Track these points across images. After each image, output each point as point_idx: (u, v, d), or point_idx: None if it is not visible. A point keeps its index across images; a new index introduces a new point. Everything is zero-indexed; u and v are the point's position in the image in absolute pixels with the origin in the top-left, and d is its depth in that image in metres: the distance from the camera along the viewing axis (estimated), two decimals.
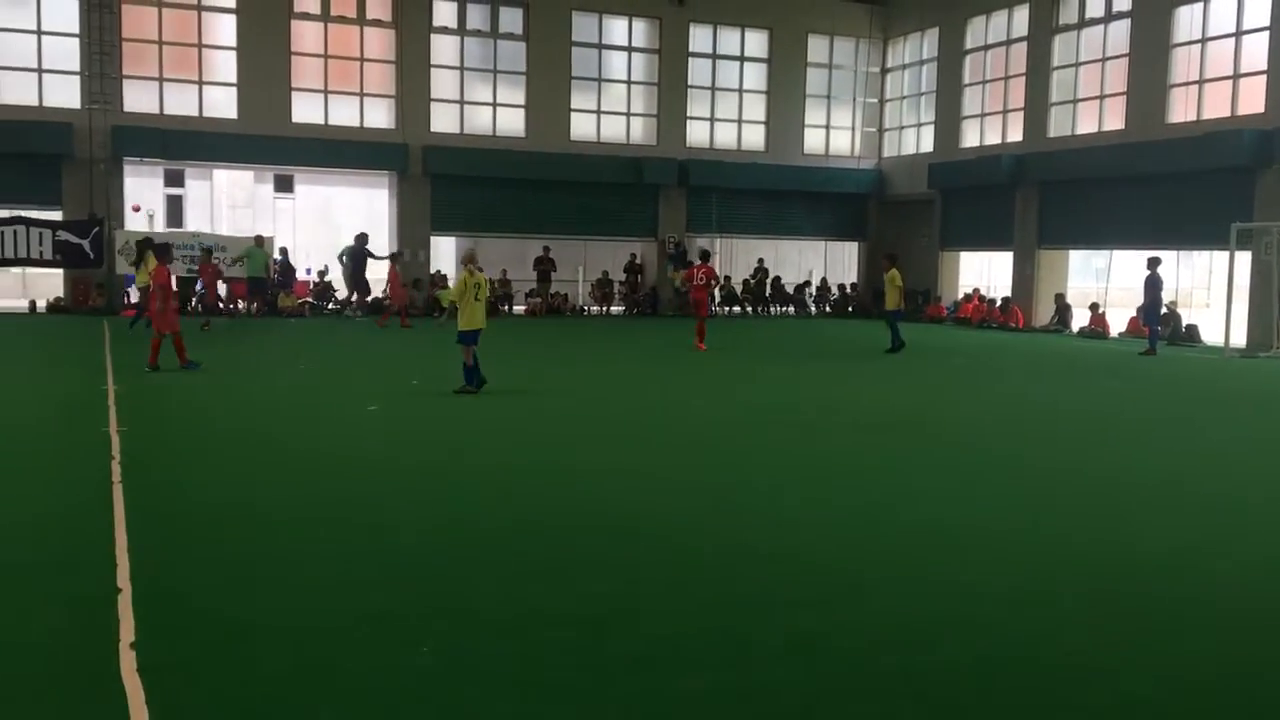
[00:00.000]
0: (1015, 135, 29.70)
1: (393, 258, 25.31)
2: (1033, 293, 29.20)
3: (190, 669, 4.50)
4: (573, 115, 31.13)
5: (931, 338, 25.45)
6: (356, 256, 26.59)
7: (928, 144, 32.84)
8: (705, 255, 21.43)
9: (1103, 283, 29.25)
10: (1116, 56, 26.87)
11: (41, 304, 27.03)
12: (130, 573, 5.67)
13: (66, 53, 26.51)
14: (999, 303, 29.98)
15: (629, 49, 31.97)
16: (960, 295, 31.93)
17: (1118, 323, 26.96)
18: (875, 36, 34.24)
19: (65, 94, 26.47)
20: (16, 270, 30.14)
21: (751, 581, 5.90)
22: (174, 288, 14.95)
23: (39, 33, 26.33)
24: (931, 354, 21.02)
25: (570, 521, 7.13)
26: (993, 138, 30.53)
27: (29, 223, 25.66)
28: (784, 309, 34.01)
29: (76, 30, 26.37)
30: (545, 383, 15.11)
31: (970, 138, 31.34)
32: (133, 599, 5.26)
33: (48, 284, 28.39)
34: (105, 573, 5.67)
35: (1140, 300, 23.05)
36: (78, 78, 26.48)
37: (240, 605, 5.33)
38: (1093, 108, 27.65)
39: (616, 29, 31.84)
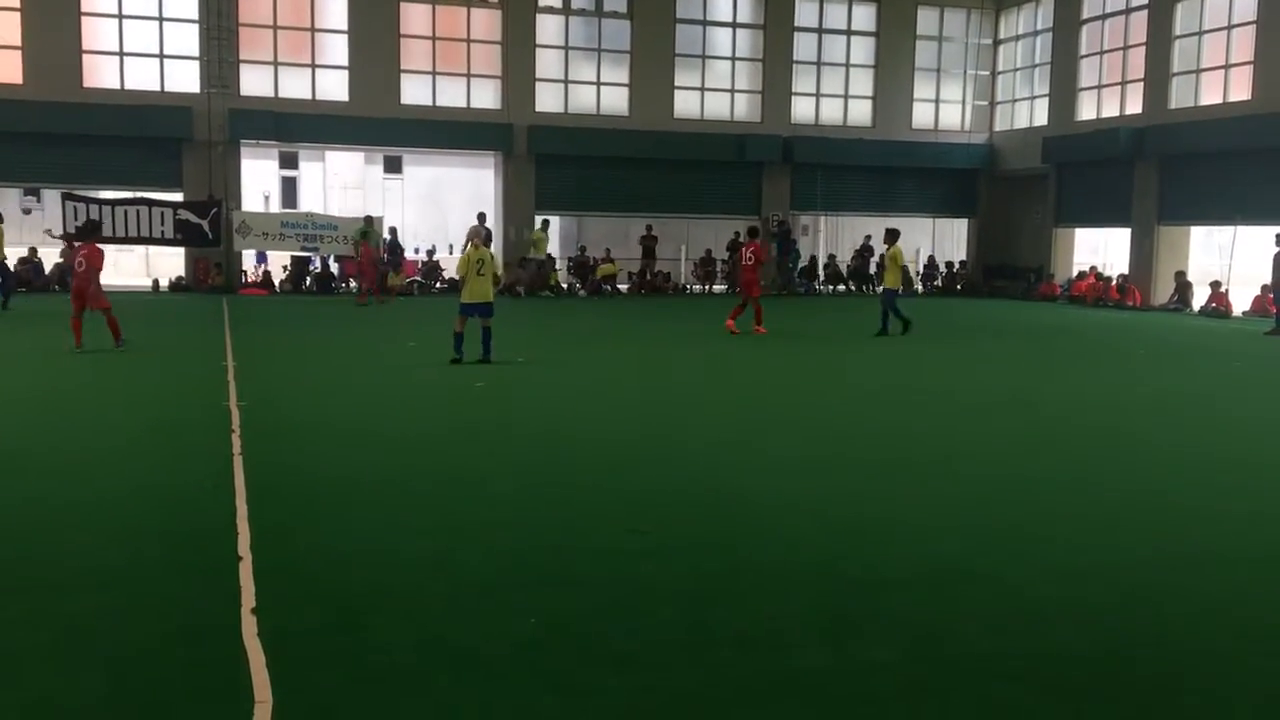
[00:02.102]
0: (1134, 107, 28.65)
1: (364, 235, 24.93)
2: (1151, 270, 28.21)
3: (309, 635, 4.62)
4: (676, 93, 31.00)
5: (1048, 316, 24.77)
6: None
7: (1042, 117, 31.90)
8: (754, 232, 20.16)
9: (1226, 260, 28.08)
10: (1243, 24, 25.69)
11: (164, 283, 28.04)
12: (251, 541, 5.84)
13: (186, 38, 27.34)
14: (1115, 281, 29.03)
15: (733, 25, 31.68)
16: (1074, 273, 31.00)
17: (1241, 301, 25.88)
18: (987, 7, 33.33)
19: (185, 79, 27.33)
20: (140, 250, 31.32)
21: (857, 561, 5.83)
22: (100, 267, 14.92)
23: (160, 19, 27.21)
24: (1052, 334, 20.47)
25: (676, 496, 7.13)
26: (1110, 110, 29.50)
27: (151, 203, 26.61)
28: None
29: (195, 16, 27.18)
30: (647, 359, 15.11)
31: (1087, 110, 30.34)
32: (253, 567, 5.42)
33: (169, 263, 29.42)
34: (227, 541, 5.86)
35: (1267, 278, 22.09)
36: (197, 63, 27.30)
37: (356, 575, 5.46)
38: (1217, 78, 26.52)
39: (721, 5, 31.58)
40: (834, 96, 32.56)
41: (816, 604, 5.18)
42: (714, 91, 31.53)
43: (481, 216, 27.28)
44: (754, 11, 31.79)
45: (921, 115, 33.22)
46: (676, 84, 31.02)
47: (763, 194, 31.89)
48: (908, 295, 21.96)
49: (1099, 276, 29.81)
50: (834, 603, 5.21)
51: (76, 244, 16.05)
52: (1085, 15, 30.29)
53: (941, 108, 33.49)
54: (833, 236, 35.60)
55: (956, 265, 34.07)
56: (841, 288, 32.76)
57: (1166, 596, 5.40)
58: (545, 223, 29.05)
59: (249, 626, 4.63)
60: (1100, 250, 33.56)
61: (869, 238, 33.41)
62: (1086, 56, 30.43)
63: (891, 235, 19.13)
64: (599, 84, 30.64)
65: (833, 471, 8.09)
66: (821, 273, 33.20)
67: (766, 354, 16.04)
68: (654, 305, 26.42)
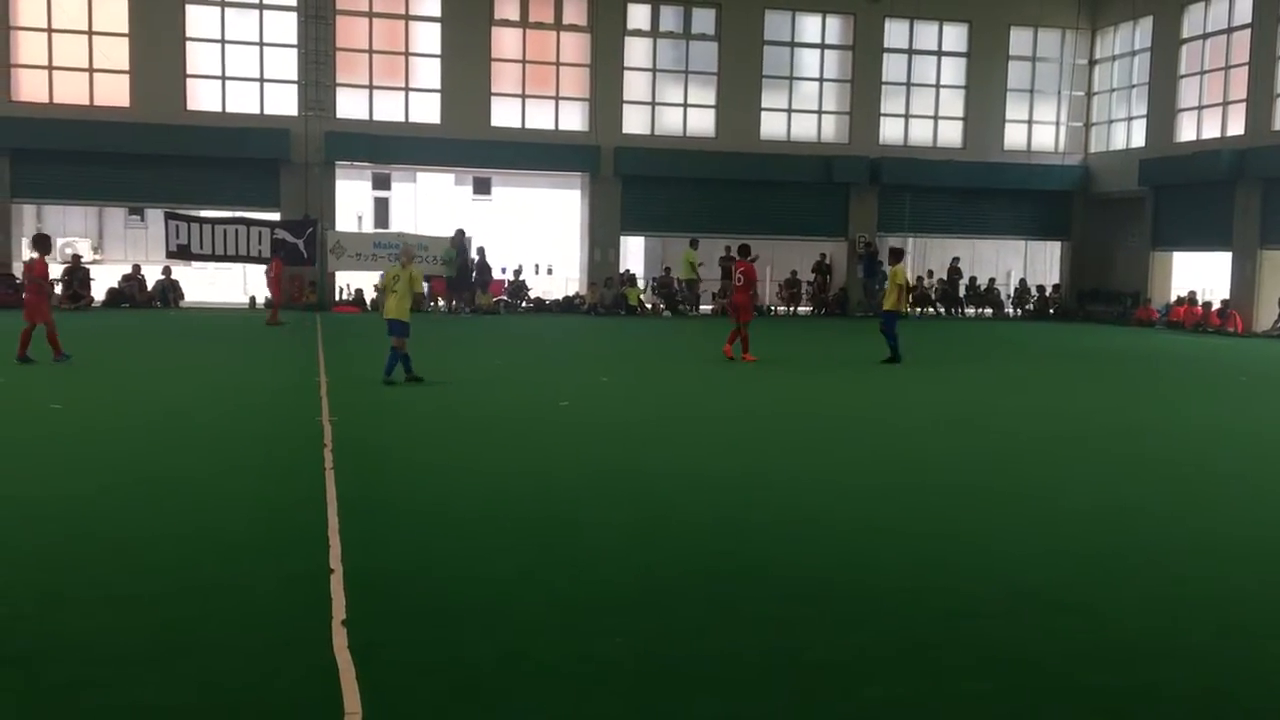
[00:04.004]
0: (1236, 129, 27.85)
1: (274, 245, 24.82)
2: (1254, 296, 27.32)
3: (397, 648, 4.69)
4: (763, 114, 31.00)
5: (1146, 342, 24.13)
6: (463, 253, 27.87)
7: (1139, 138, 31.18)
8: (744, 251, 18.22)
9: None
10: None
11: (260, 300, 28.80)
12: (341, 554, 5.95)
13: (285, 63, 28.15)
14: (1216, 306, 28.18)
15: (821, 46, 31.58)
16: (1173, 298, 30.16)
17: None
18: (1082, 27, 32.75)
19: (284, 102, 28.12)
20: (238, 268, 32.22)
21: (942, 589, 5.73)
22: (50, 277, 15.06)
23: (260, 44, 28.06)
24: (1151, 360, 19.93)
25: (757, 521, 7.09)
26: (1211, 131, 28.72)
27: (249, 223, 27.39)
28: (980, 310, 32.93)
29: (295, 41, 27.97)
30: (719, 381, 15.06)
31: (1186, 131, 29.58)
32: (344, 579, 5.52)
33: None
34: (319, 554, 5.98)
35: None
36: (295, 86, 28.08)
37: (444, 589, 5.53)
38: None
39: (809, 27, 31.51)
40: (923, 118, 32.24)
41: (901, 631, 5.10)
42: (801, 113, 31.45)
43: (460, 232, 28.28)
44: (843, 33, 31.66)
45: (1014, 136, 32.72)
46: (764, 105, 31.01)
47: (849, 215, 31.67)
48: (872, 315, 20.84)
49: (1195, 302, 28.96)
50: (919, 631, 5.12)
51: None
52: (1185, 35, 29.58)
53: (1035, 129, 32.95)
54: (920, 259, 35.15)
55: (1049, 289, 33.40)
56: (930, 310, 32.32)
57: (1269, 633, 5.21)
58: (694, 242, 29.16)
59: (339, 638, 4.71)
60: (1200, 276, 32.58)
61: (958, 260, 32.98)
62: (1186, 77, 29.69)
63: (895, 254, 18.22)
64: (685, 106, 30.76)
65: (914, 496, 7.96)
66: (909, 295, 32.75)
67: (839, 379, 15.88)
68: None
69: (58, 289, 26.50)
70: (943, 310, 32.32)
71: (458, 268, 27.95)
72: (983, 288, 33.19)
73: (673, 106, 30.78)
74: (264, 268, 27.52)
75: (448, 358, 17.61)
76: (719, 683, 4.44)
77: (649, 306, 30.39)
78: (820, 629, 5.09)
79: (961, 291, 32.78)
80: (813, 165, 30.79)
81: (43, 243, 15.56)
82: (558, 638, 4.89)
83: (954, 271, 32.76)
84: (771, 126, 31.15)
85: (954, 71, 32.41)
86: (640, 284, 31.15)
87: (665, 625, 5.09)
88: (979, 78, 32.22)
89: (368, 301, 28.67)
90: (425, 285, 25.59)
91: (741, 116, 30.66)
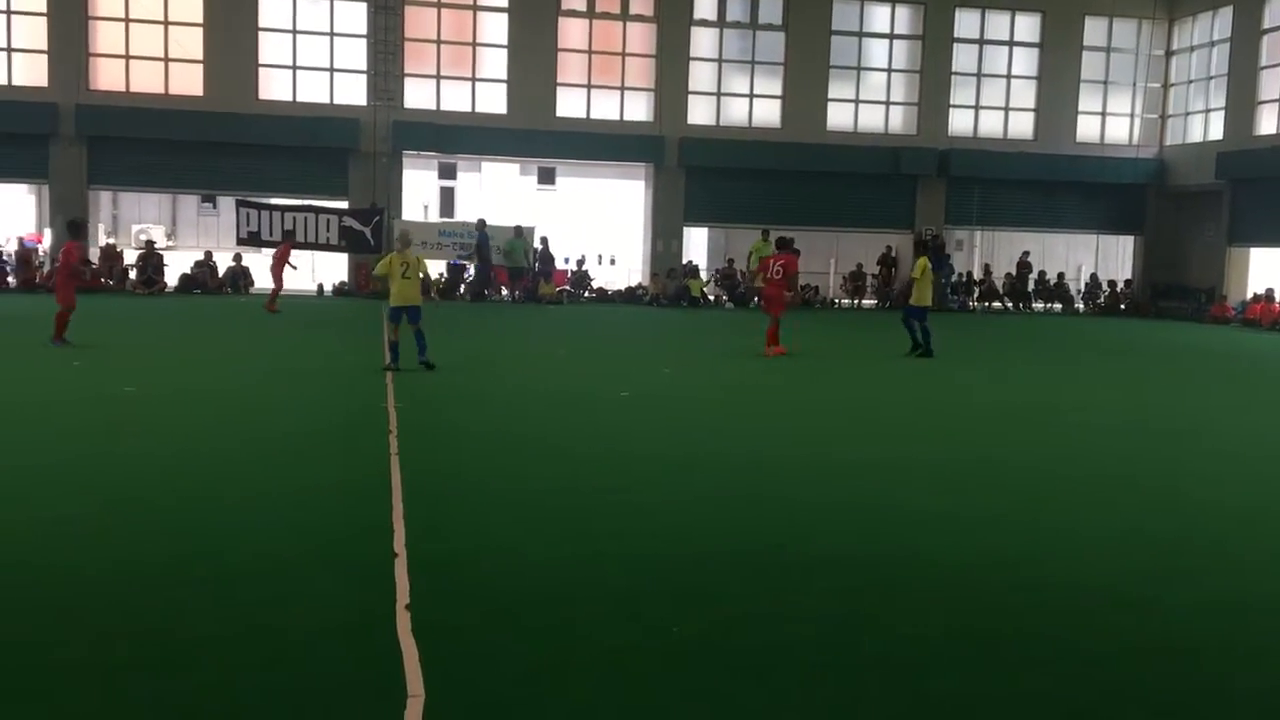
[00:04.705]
0: None
1: (286, 235, 24.48)
2: None
3: (460, 632, 4.74)
4: (829, 105, 30.72)
5: (1220, 340, 23.57)
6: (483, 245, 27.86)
7: (1217, 131, 30.38)
8: (783, 243, 17.55)
9: None
10: None
11: (328, 287, 29.18)
12: (406, 539, 6.02)
13: (355, 53, 28.47)
14: None
15: (890, 36, 31.20)
16: (1249, 295, 29.38)
17: None
18: (1159, 17, 31.97)
19: (353, 92, 28.45)
20: (306, 255, 32.68)
21: (1003, 583, 5.65)
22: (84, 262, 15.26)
23: (331, 34, 28.40)
24: (1226, 359, 19.46)
25: (820, 511, 7.04)
26: None
27: (318, 211, 27.76)
28: (1049, 306, 32.36)
29: (364, 32, 28.27)
30: (781, 371, 14.97)
31: (1267, 124, 28.74)
32: (408, 564, 5.58)
33: (334, 269, 30.59)
34: (383, 538, 6.05)
35: None
36: (364, 76, 28.39)
37: (506, 574, 5.59)
38: None
39: (878, 16, 31.15)
40: (994, 109, 31.72)
41: (960, 625, 5.04)
42: (869, 104, 31.11)
43: (481, 222, 28.36)
44: (912, 23, 31.25)
45: (1087, 128, 32.06)
46: (830, 96, 30.72)
47: (916, 207, 31.29)
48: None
49: (1273, 299, 28.17)
50: (979, 624, 5.06)
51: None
52: (1266, 25, 28.75)
53: (1108, 121, 32.26)
54: (989, 252, 34.62)
55: (1121, 284, 32.72)
56: (997, 304, 31.84)
57: None
58: (765, 232, 28.93)
59: (403, 622, 4.76)
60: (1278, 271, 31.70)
61: (1027, 254, 32.44)
62: (1268, 68, 28.85)
63: (921, 248, 17.73)
64: (751, 96, 30.58)
65: (978, 491, 7.85)
66: (976, 289, 32.32)
67: (907, 371, 15.70)
68: (798, 319, 26.13)
69: (132, 274, 27.15)
70: (1010, 305, 31.81)
71: (479, 257, 28.14)
72: (1052, 283, 32.59)
73: (738, 97, 30.61)
74: (333, 255, 28.00)
75: (510, 346, 17.73)
76: (779, 671, 4.42)
77: (711, 298, 30.30)
78: (877, 617, 5.04)
79: (1030, 286, 32.22)
80: (879, 156, 30.47)
81: (77, 228, 15.86)
82: (619, 624, 4.91)
83: (1023, 266, 32.21)
84: (838, 117, 30.85)
85: (1026, 62, 31.85)
86: (703, 275, 31.06)
87: (727, 612, 5.08)
88: (1052, 68, 31.61)
89: (433, 290, 28.92)
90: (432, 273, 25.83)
91: (808, 107, 30.40)
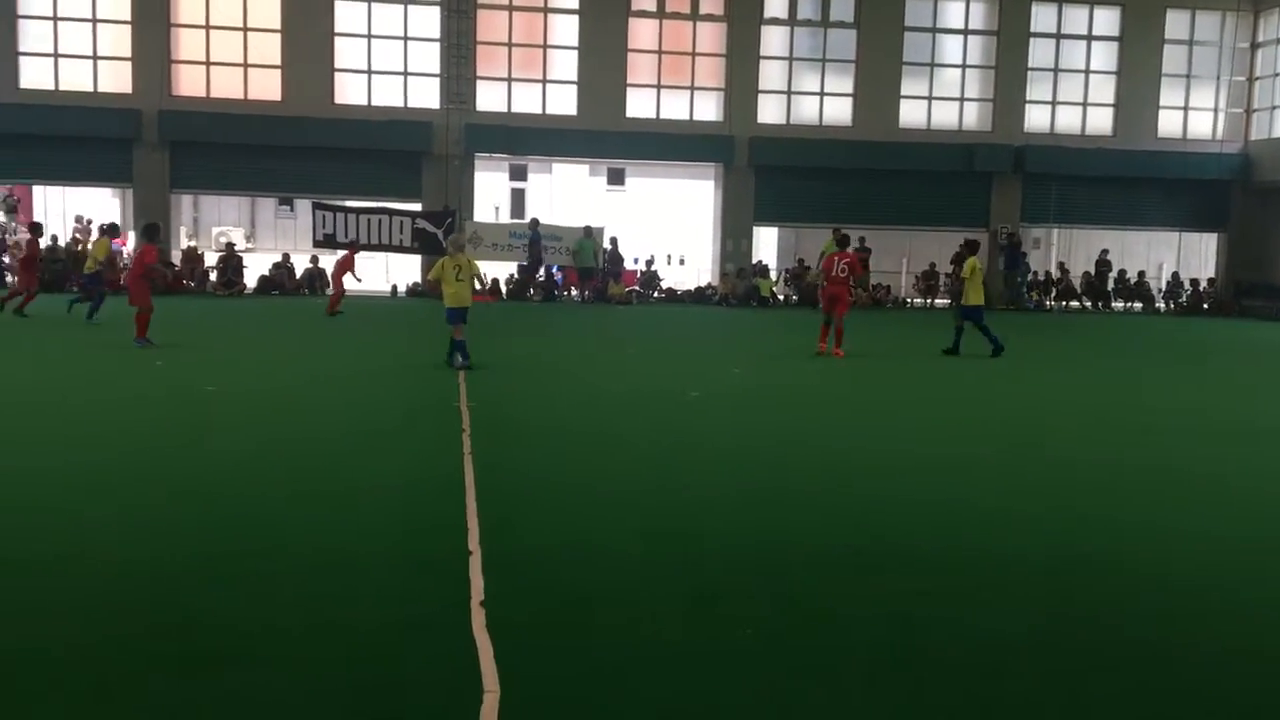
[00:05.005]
0: None
1: (351, 245, 24.34)
2: None
3: (535, 628, 4.77)
4: (902, 102, 30.38)
5: None
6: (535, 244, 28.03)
7: None
8: (845, 241, 17.41)
9: None
10: None
11: (401, 288, 29.57)
12: (480, 537, 6.07)
13: (428, 57, 28.81)
14: None
15: (965, 32, 30.78)
16: None
17: None
18: (1244, 9, 31.10)
19: (426, 95, 28.80)
20: (380, 257, 33.16)
21: (1087, 587, 5.53)
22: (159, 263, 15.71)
23: (405, 39, 28.78)
24: None
25: (896, 509, 6.96)
26: None
27: (392, 213, 28.14)
28: (1129, 305, 31.65)
29: (437, 35, 28.60)
30: (851, 371, 14.83)
31: None
32: (482, 561, 5.63)
33: (407, 270, 31.01)
34: (457, 536, 6.10)
35: None
36: (437, 80, 28.72)
37: (579, 571, 5.61)
38: None
39: (952, 12, 30.74)
40: (1071, 104, 31.12)
41: (1042, 631, 4.94)
42: (942, 100, 30.71)
43: (535, 222, 28.73)
44: (987, 18, 30.79)
45: (1168, 123, 31.31)
46: (903, 93, 30.38)
47: (991, 205, 30.82)
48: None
49: None
50: (1062, 629, 4.95)
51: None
52: None
53: (1190, 115, 31.47)
54: (1065, 250, 33.98)
55: (1203, 283, 31.88)
56: (1075, 304, 31.23)
57: None
58: (836, 231, 28.54)
59: (478, 618, 4.80)
60: None
61: (1106, 252, 31.77)
62: None
63: (970, 246, 17.61)
64: (822, 94, 30.36)
65: (1050, 490, 7.70)
66: (1053, 288, 31.74)
67: (979, 372, 15.45)
68: (868, 319, 25.90)
69: (212, 276, 27.77)
70: (1088, 304, 31.17)
71: (530, 256, 28.34)
72: (1132, 281, 31.87)
73: (809, 95, 30.41)
74: (406, 257, 28.36)
75: (580, 347, 17.81)
76: (848, 673, 4.38)
77: (781, 298, 30.14)
78: (950, 621, 4.97)
79: (1109, 285, 31.54)
80: (953, 154, 30.06)
81: (151, 231, 16.28)
82: (691, 622, 4.90)
83: (1102, 264, 31.54)
84: (911, 114, 30.50)
85: (1105, 56, 31.19)
86: (773, 275, 30.92)
87: (798, 612, 5.04)
88: (1132, 62, 30.92)
89: (503, 290, 29.17)
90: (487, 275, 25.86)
91: (880, 104, 30.10)
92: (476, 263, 14.20)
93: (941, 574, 5.77)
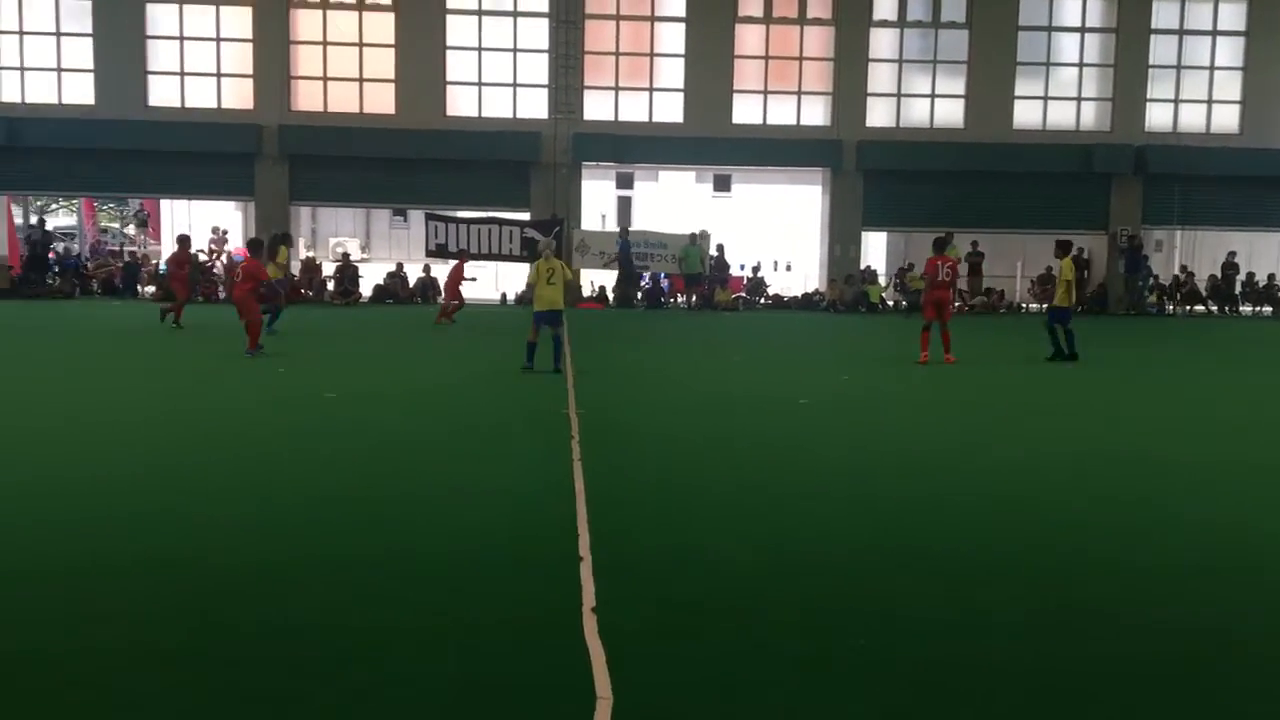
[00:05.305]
0: None
1: (461, 255, 24.38)
2: None
3: (647, 635, 4.76)
4: (1016, 103, 29.69)
5: None
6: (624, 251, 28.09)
7: None
8: (942, 244, 16.57)
9: None
10: None
11: (510, 296, 29.99)
12: (590, 543, 6.09)
13: (536, 68, 29.19)
14: None
15: (1081, 30, 29.95)
16: None
17: None
18: None
19: (535, 106, 29.18)
20: (490, 265, 33.71)
21: (1194, 611, 5.30)
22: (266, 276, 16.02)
23: (514, 50, 29.21)
24: None
25: (1006, 519, 6.77)
26: None
27: (501, 222, 28.59)
28: (1258, 309, 30.36)
29: (545, 47, 28.96)
30: (953, 379, 14.50)
31: None
32: (593, 567, 5.65)
33: (516, 278, 31.48)
34: (568, 541, 6.14)
35: None
36: (545, 91, 29.07)
37: (691, 578, 5.59)
38: None
39: (1068, 10, 29.94)
40: (1195, 102, 30.03)
41: (1152, 649, 4.75)
42: (1058, 100, 29.93)
43: (624, 230, 28.93)
44: (1105, 15, 29.91)
45: None
46: (1017, 94, 29.70)
47: (1110, 207, 29.92)
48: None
49: None
50: (1174, 649, 4.75)
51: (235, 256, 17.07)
52: None
53: None
54: (1189, 253, 32.74)
55: None
56: (1200, 308, 30.08)
57: None
58: (949, 235, 28.03)
59: (590, 624, 4.82)
60: None
61: (1233, 254, 30.55)
62: None
63: (1063, 247, 16.96)
64: (933, 96, 29.86)
65: (1159, 499, 7.41)
66: (1176, 292, 30.62)
67: (1083, 378, 14.97)
68: (981, 324, 25.34)
69: (329, 286, 28.55)
70: (1215, 308, 29.99)
71: (620, 262, 28.46)
72: (1261, 284, 30.56)
73: (919, 98, 29.95)
74: (521, 267, 28.68)
75: (687, 353, 17.79)
76: (964, 689, 4.27)
77: (890, 304, 29.69)
78: (1071, 639, 4.81)
79: (1237, 289, 30.29)
80: (1070, 155, 29.26)
81: (257, 246, 16.80)
82: (805, 632, 4.84)
83: (1229, 267, 30.32)
84: (1025, 115, 29.79)
85: (1230, 52, 30.02)
86: (881, 281, 30.49)
87: (912, 623, 4.94)
88: (1260, 58, 29.68)
89: (609, 298, 29.35)
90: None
91: (993, 105, 29.48)
92: (570, 269, 14.45)
93: (1058, 583, 5.59)
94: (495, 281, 34.11)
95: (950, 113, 29.83)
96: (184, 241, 21.40)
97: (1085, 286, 30.18)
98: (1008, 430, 10.62)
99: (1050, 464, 8.82)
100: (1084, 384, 14.34)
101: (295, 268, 28.73)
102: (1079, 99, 30.04)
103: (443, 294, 23.20)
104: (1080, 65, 30.04)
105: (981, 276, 29.93)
